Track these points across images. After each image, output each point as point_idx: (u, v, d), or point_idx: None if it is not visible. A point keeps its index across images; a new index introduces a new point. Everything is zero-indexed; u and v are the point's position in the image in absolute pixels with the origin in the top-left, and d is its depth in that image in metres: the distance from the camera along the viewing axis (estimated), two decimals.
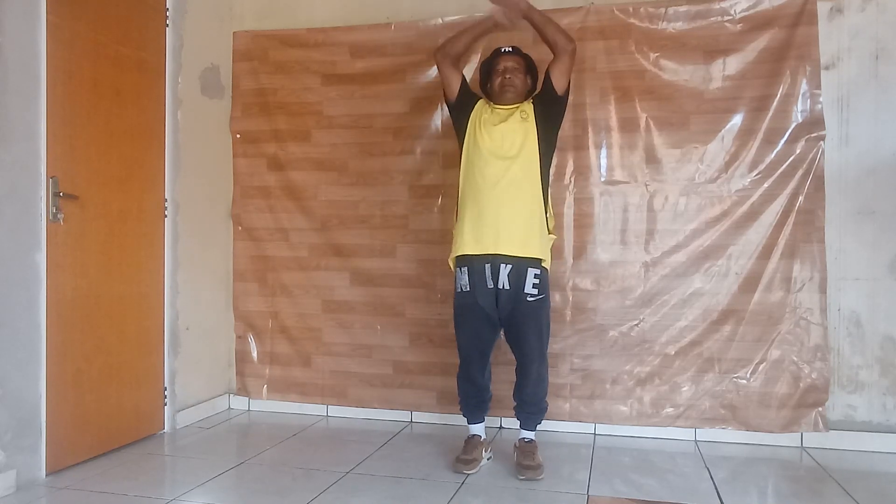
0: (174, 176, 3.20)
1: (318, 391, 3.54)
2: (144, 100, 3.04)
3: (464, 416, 2.81)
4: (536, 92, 2.75)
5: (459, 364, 2.76)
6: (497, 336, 2.74)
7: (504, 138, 2.61)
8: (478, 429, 2.77)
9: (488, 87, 2.77)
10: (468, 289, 2.63)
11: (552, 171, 3.18)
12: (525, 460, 2.60)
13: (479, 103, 2.75)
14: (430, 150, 3.39)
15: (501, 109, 2.68)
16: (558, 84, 2.63)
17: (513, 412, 2.78)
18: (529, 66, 2.75)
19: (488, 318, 2.64)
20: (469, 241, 2.61)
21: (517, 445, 2.70)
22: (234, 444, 3.12)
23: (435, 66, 3.34)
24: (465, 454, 2.68)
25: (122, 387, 2.91)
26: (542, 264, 2.60)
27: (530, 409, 2.71)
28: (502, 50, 2.74)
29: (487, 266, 2.58)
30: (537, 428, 2.76)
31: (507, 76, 2.67)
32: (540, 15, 2.64)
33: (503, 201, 2.56)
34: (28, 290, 2.46)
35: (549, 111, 2.67)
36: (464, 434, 2.84)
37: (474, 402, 2.77)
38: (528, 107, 2.67)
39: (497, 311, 2.63)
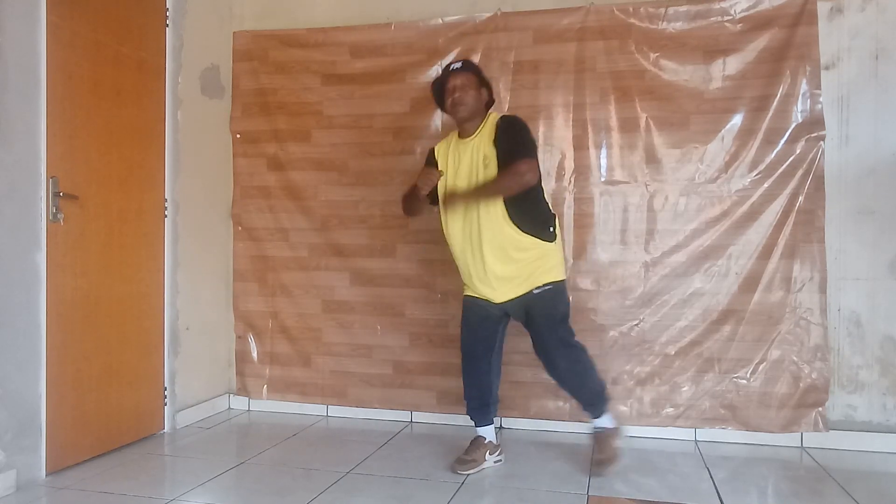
0: (174, 176, 3.20)
1: (318, 391, 3.54)
2: (144, 100, 3.04)
3: (469, 417, 2.79)
4: (502, 139, 2.56)
5: (461, 363, 2.74)
6: (498, 339, 2.71)
7: (467, 186, 2.56)
8: (484, 431, 2.75)
9: (443, 106, 2.71)
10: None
11: (553, 171, 3.20)
12: (597, 453, 2.60)
13: (437, 150, 2.73)
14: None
15: (462, 145, 2.62)
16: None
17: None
18: (481, 80, 2.66)
19: (489, 314, 2.64)
20: (470, 288, 2.66)
21: (592, 436, 2.69)
22: (234, 444, 3.12)
23: (434, 67, 3.37)
24: (465, 454, 2.68)
25: (122, 387, 2.91)
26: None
27: (583, 396, 2.67)
28: (451, 68, 2.67)
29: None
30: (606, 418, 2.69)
31: (457, 94, 2.58)
32: (487, 190, 2.50)
33: (478, 253, 2.55)
34: (28, 290, 2.46)
35: None
36: (464, 434, 2.84)
37: (477, 404, 2.74)
38: (490, 151, 2.54)
39: (498, 308, 2.62)
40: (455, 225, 2.60)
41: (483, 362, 2.70)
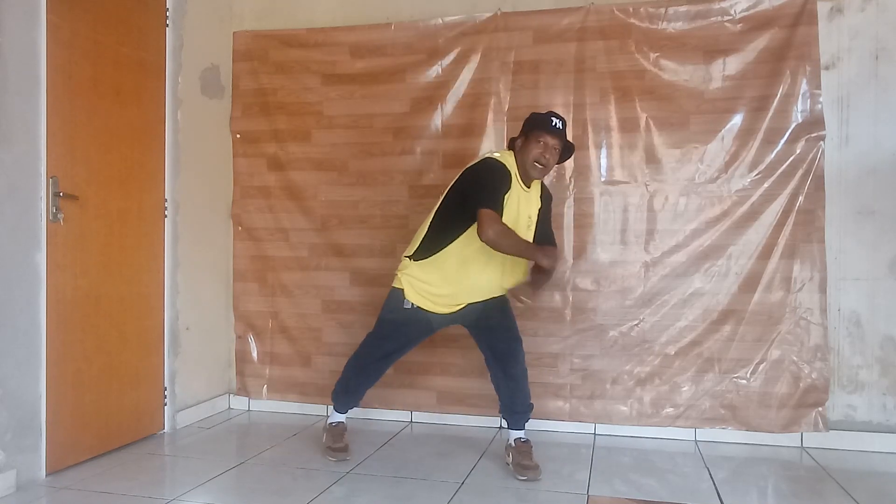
0: (174, 176, 3.20)
1: (318, 391, 3.54)
2: (144, 100, 3.04)
3: (338, 405, 2.85)
4: (548, 208, 2.74)
5: (363, 357, 2.77)
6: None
7: (520, 231, 2.56)
8: (344, 417, 2.85)
9: (518, 143, 2.59)
10: (420, 309, 2.64)
11: (553, 171, 3.19)
12: (524, 460, 2.59)
13: (512, 185, 2.56)
14: (430, 150, 3.39)
15: (524, 193, 2.58)
16: None
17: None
18: (565, 149, 2.61)
19: (430, 331, 2.74)
20: (439, 306, 2.63)
21: (513, 446, 2.68)
22: (234, 444, 3.12)
23: (435, 67, 3.37)
24: (337, 442, 2.76)
25: (122, 387, 2.91)
26: None
27: (523, 407, 2.70)
28: (553, 124, 2.54)
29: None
30: (527, 427, 2.75)
31: (546, 156, 2.52)
32: (530, 252, 2.56)
33: (489, 275, 2.59)
34: (28, 290, 2.46)
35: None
36: (465, 434, 2.84)
37: (358, 396, 2.83)
38: (537, 210, 2.66)
39: (444, 321, 2.69)
40: (494, 258, 2.55)
41: (390, 366, 2.81)
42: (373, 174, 3.46)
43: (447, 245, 2.55)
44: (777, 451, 2.96)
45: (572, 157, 2.74)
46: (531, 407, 2.73)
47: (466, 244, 2.53)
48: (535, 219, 2.63)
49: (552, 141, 2.53)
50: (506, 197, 2.48)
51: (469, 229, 2.49)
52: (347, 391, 2.82)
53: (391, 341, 2.72)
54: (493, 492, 2.46)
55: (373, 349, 2.75)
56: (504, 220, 2.45)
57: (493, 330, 2.68)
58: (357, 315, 3.49)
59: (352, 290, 3.50)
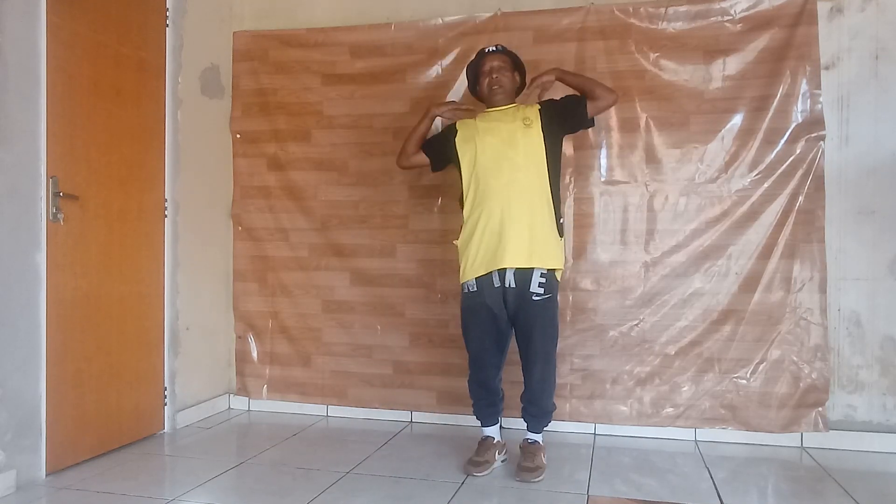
0: (174, 176, 3.20)
1: (318, 391, 3.54)
2: (144, 100, 3.04)
3: (476, 418, 2.78)
4: (554, 102, 2.69)
5: (469, 367, 2.73)
6: (508, 339, 2.70)
7: (507, 145, 2.57)
8: (491, 431, 2.74)
9: (477, 89, 2.77)
10: (475, 289, 2.61)
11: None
12: (524, 461, 2.58)
13: (459, 126, 2.73)
14: None
15: (496, 112, 2.66)
16: (592, 113, 2.66)
17: (511, 411, 2.77)
18: (516, 64, 2.74)
19: (496, 319, 2.61)
20: (480, 264, 2.59)
21: (522, 446, 2.69)
22: (234, 444, 3.12)
23: (435, 67, 3.38)
24: (477, 456, 2.66)
25: (122, 387, 2.91)
26: (553, 271, 2.59)
27: (534, 410, 2.69)
28: (486, 50, 2.74)
29: (495, 272, 2.57)
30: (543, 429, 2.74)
31: (495, 76, 2.66)
32: (575, 76, 2.69)
33: (511, 212, 2.53)
34: (28, 290, 2.46)
35: (565, 125, 2.68)
36: (465, 434, 2.83)
37: (485, 404, 2.74)
38: (533, 112, 2.63)
39: (505, 311, 2.61)
40: (498, 181, 2.56)
41: (492, 368, 2.69)
42: (373, 174, 3.46)
43: (462, 201, 2.70)
44: (777, 451, 2.96)
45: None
46: (542, 414, 2.68)
47: (467, 191, 2.66)
48: (534, 118, 2.61)
49: (493, 63, 2.68)
50: (456, 139, 2.70)
51: (463, 173, 2.67)
52: (475, 403, 2.76)
53: (472, 333, 2.67)
54: (493, 492, 2.46)
55: (469, 352, 2.71)
56: (466, 150, 2.65)
57: (520, 339, 2.66)
58: (357, 315, 3.49)
59: (352, 290, 3.50)
